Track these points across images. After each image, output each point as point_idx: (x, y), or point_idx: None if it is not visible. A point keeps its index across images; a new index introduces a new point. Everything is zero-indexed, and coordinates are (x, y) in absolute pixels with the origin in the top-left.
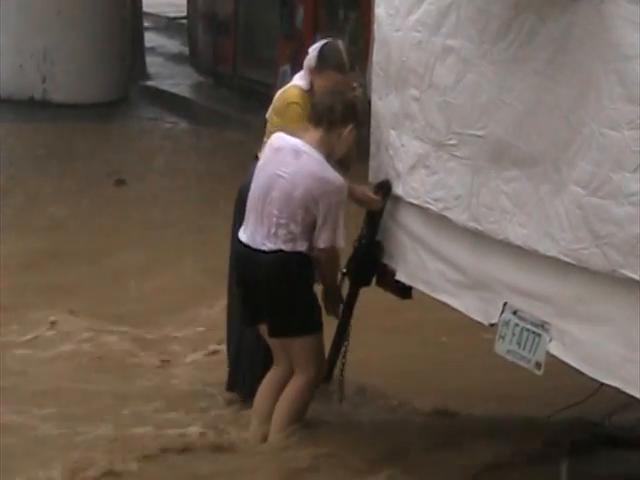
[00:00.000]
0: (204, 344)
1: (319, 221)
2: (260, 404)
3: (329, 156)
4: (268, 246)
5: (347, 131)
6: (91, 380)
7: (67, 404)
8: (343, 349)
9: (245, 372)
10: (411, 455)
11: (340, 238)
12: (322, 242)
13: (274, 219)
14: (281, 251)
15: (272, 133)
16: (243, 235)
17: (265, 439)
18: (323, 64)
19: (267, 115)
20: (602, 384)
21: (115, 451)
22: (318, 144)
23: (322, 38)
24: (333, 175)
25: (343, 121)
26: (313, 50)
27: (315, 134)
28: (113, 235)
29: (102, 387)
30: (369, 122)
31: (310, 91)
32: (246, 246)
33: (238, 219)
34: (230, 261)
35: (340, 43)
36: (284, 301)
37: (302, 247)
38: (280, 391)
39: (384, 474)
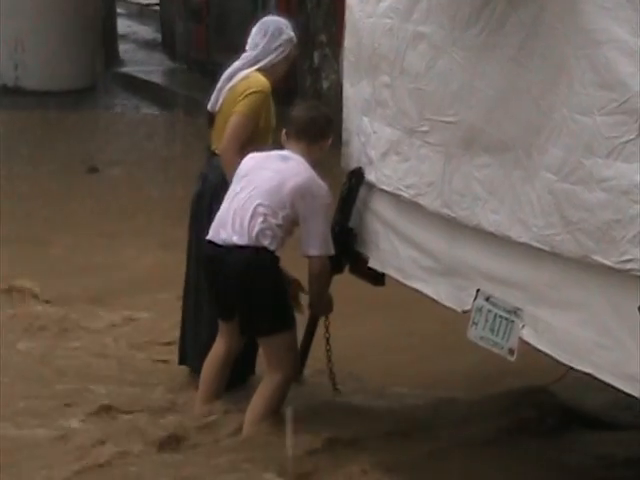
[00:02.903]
0: (160, 326)
1: (302, 221)
2: (205, 379)
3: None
4: (239, 241)
5: (328, 143)
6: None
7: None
8: (326, 337)
9: (192, 344)
10: (393, 439)
11: (331, 246)
12: (312, 249)
13: (254, 208)
14: (252, 247)
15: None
16: (212, 235)
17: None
18: (295, 40)
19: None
20: (570, 368)
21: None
22: (302, 155)
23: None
24: (320, 181)
25: (324, 135)
26: (289, 30)
27: (297, 147)
28: (85, 222)
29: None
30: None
31: (267, 71)
32: (217, 245)
33: (194, 224)
34: (189, 245)
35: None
36: (256, 301)
37: (272, 246)
38: (224, 365)
39: (367, 459)
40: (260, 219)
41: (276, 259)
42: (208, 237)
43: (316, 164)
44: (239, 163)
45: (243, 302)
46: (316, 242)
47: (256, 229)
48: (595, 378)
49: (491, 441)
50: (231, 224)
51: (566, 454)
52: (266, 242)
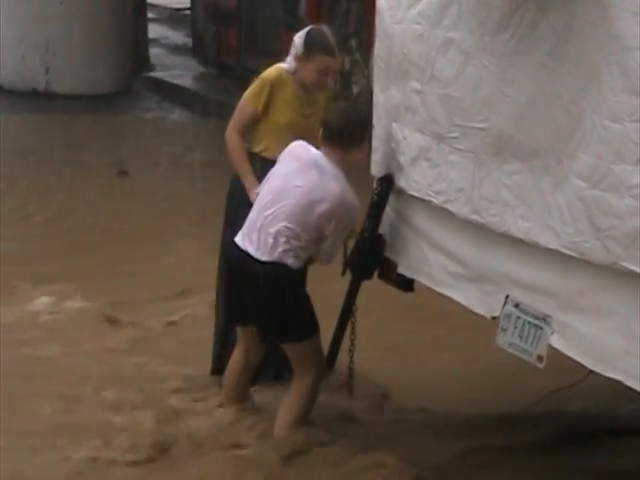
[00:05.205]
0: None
1: (327, 239)
2: (226, 386)
3: (344, 169)
4: (262, 257)
5: (364, 145)
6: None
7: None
8: (351, 339)
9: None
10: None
11: (332, 258)
12: (321, 261)
13: (279, 230)
14: (274, 263)
15: None
16: (240, 240)
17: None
18: (310, 49)
19: None
20: (590, 372)
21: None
22: (337, 161)
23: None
24: (353, 198)
25: (362, 139)
26: (298, 38)
27: (333, 154)
28: (114, 226)
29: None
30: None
31: (294, 75)
32: (242, 251)
33: (229, 221)
34: (220, 255)
35: (325, 27)
36: (276, 313)
37: (295, 265)
38: (243, 372)
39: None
40: (283, 240)
41: (296, 273)
42: (237, 240)
43: (349, 165)
44: (237, 144)
45: (260, 312)
46: (324, 258)
47: (279, 249)
48: (624, 385)
49: (519, 448)
50: (257, 239)
51: (598, 464)
52: (289, 261)
